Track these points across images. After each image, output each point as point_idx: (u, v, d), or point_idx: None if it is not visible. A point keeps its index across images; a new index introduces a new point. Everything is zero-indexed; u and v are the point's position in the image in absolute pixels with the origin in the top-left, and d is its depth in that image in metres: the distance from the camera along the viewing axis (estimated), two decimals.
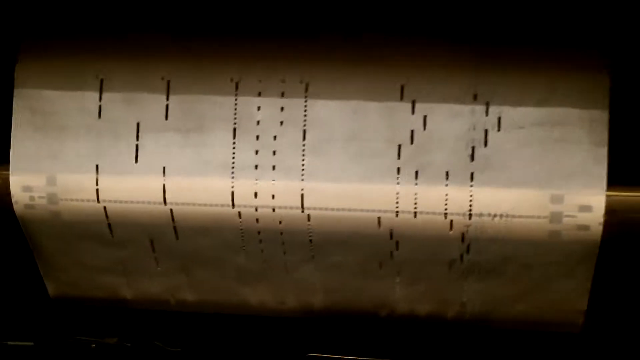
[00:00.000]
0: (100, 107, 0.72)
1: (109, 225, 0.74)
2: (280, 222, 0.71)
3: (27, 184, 0.74)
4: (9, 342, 0.84)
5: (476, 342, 0.78)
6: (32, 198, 0.74)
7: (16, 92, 0.74)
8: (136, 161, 0.72)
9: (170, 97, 0.71)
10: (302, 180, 0.70)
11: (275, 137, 0.70)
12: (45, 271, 0.80)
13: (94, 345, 0.83)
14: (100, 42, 0.73)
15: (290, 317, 0.79)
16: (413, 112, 0.69)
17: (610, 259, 0.70)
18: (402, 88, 0.69)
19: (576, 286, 0.72)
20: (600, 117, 0.67)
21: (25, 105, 0.74)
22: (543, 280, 0.72)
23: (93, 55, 0.73)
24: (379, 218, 0.70)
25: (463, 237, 0.70)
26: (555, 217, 0.68)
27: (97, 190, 0.73)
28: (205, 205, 0.71)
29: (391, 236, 0.71)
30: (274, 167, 0.70)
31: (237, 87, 0.71)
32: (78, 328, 0.84)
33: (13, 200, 0.74)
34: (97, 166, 0.72)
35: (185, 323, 0.83)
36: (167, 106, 0.71)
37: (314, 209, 0.70)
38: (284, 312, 0.78)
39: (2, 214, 0.76)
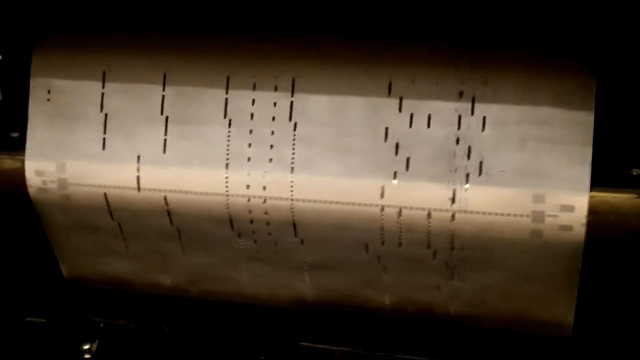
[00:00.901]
0: (103, 98, 0.76)
1: (110, 210, 0.77)
2: (266, 213, 0.74)
3: (39, 169, 0.78)
4: (25, 318, 0.88)
5: (464, 338, 0.79)
6: (44, 182, 0.78)
7: (32, 82, 0.78)
8: (137, 150, 0.75)
9: (168, 89, 0.74)
10: (292, 172, 0.72)
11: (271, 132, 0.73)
12: (59, 253, 0.84)
13: (102, 325, 0.87)
14: (106, 38, 0.76)
15: (283, 308, 0.81)
16: (400, 110, 0.70)
17: (595, 261, 0.70)
18: (389, 85, 0.71)
19: (563, 289, 0.72)
20: (585, 119, 0.67)
21: (39, 96, 0.78)
22: (529, 283, 0.72)
23: (100, 49, 0.76)
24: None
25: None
26: (537, 216, 0.68)
27: (104, 176, 0.76)
28: (199, 193, 0.74)
29: (383, 242, 0.73)
30: (270, 160, 0.73)
31: (228, 83, 0.74)
32: (91, 309, 0.88)
33: (27, 184, 0.79)
34: (101, 154, 0.76)
35: (191, 310, 0.86)
36: (164, 98, 0.74)
37: (302, 200, 0.72)
38: (274, 302, 0.81)
39: (23, 197, 0.80)
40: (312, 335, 0.82)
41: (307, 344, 0.82)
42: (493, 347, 0.79)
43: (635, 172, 0.69)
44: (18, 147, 0.79)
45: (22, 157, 0.79)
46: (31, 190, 0.79)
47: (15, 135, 0.81)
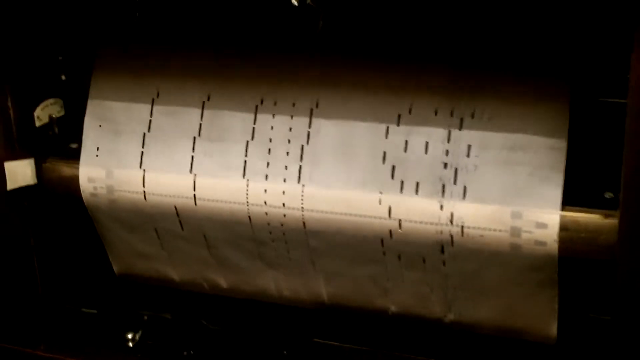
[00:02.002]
0: (148, 117, 0.87)
1: (150, 214, 0.88)
2: (286, 223, 0.83)
3: (91, 176, 0.90)
4: (81, 309, 1.00)
5: (461, 339, 0.87)
6: (95, 188, 0.90)
7: (89, 102, 0.90)
8: (173, 164, 0.86)
9: (205, 111, 0.85)
10: (303, 186, 0.82)
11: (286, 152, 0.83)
12: (110, 251, 0.96)
13: (146, 317, 0.98)
14: (154, 65, 0.88)
15: (301, 308, 0.90)
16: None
17: (570, 274, 0.77)
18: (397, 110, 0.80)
19: (544, 300, 0.79)
20: (558, 145, 0.74)
21: (95, 113, 0.90)
22: (515, 292, 0.80)
23: (148, 75, 0.88)
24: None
25: (442, 244, 0.79)
26: (515, 231, 0.76)
27: (143, 184, 0.87)
28: (223, 201, 0.84)
29: (382, 243, 0.82)
30: (284, 178, 0.83)
31: (257, 108, 0.84)
32: (138, 302, 0.99)
33: (81, 188, 0.90)
34: (142, 165, 0.87)
35: (227, 307, 0.96)
36: (201, 119, 0.85)
37: (311, 210, 0.82)
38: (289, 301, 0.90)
39: (79, 200, 0.92)
40: (324, 332, 0.91)
41: (320, 340, 0.91)
42: (489, 349, 0.86)
43: (608, 195, 0.75)
44: (76, 156, 0.91)
45: (78, 166, 0.90)
46: (84, 195, 0.91)
47: (74, 146, 0.93)
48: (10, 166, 0.89)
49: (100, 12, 0.90)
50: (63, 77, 0.95)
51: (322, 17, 0.65)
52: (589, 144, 0.77)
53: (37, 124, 0.92)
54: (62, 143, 0.94)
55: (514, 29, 0.76)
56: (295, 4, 0.63)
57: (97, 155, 0.90)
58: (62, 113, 0.95)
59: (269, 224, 0.84)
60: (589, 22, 0.73)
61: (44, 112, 0.93)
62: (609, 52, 0.69)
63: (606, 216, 0.74)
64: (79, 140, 0.91)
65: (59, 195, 0.94)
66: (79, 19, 0.92)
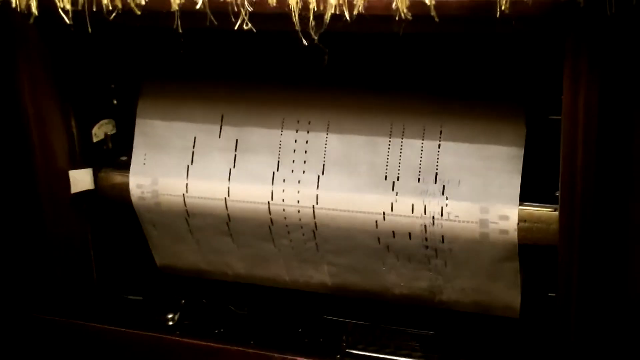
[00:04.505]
0: (189, 133, 1.06)
1: (188, 214, 1.07)
2: (300, 219, 1.02)
3: (139, 183, 1.09)
4: (127, 296, 1.19)
5: (443, 314, 1.05)
6: (142, 192, 1.09)
7: (137, 121, 1.09)
8: (209, 172, 1.05)
9: (233, 128, 1.05)
10: (317, 189, 1.01)
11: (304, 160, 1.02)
12: (152, 246, 1.15)
13: (183, 301, 1.16)
14: (193, 89, 1.07)
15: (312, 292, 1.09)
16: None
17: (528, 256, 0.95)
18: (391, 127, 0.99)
19: (507, 279, 0.98)
20: (517, 154, 0.93)
21: (142, 131, 1.09)
22: (483, 275, 0.98)
23: (188, 99, 1.07)
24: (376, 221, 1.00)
25: (426, 235, 0.98)
26: (483, 223, 0.94)
27: (185, 189, 1.06)
28: (251, 202, 1.03)
29: (379, 241, 1.00)
30: (299, 181, 1.01)
31: (283, 124, 1.03)
32: (176, 289, 1.18)
33: (130, 193, 1.09)
34: (184, 172, 1.06)
35: (251, 294, 1.15)
36: (231, 134, 1.04)
37: (324, 209, 1.01)
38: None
39: (128, 203, 1.11)
40: (332, 311, 1.10)
41: (329, 317, 1.10)
42: (465, 323, 1.05)
43: (557, 193, 0.94)
44: (126, 167, 1.10)
45: (127, 174, 1.09)
46: (133, 199, 1.09)
47: (124, 158, 1.12)
48: (73, 174, 1.08)
49: (145, 49, 1.10)
50: (115, 102, 1.14)
51: (327, 54, 0.84)
52: (542, 153, 0.95)
53: (94, 139, 1.11)
54: (114, 156, 1.13)
55: (482, 67, 0.95)
56: (306, 43, 0.82)
57: (144, 165, 1.09)
58: (114, 131, 1.13)
59: (286, 220, 1.03)
60: (539, 57, 0.92)
61: (100, 130, 1.11)
62: (556, 79, 0.88)
63: (555, 210, 0.92)
64: (127, 153, 1.10)
65: (111, 199, 1.12)
66: (128, 54, 1.12)
